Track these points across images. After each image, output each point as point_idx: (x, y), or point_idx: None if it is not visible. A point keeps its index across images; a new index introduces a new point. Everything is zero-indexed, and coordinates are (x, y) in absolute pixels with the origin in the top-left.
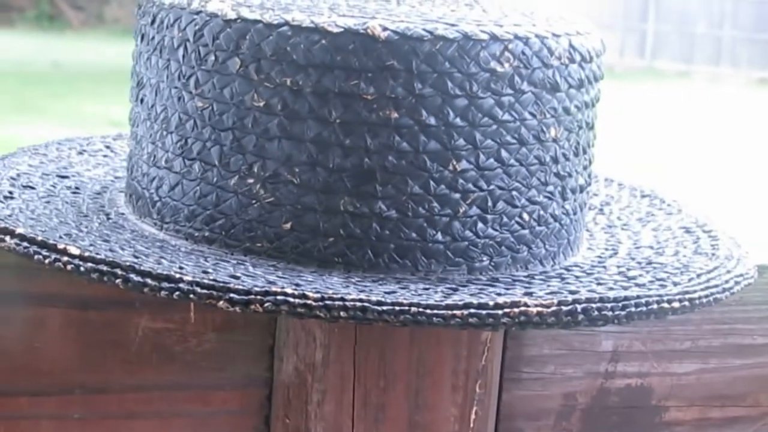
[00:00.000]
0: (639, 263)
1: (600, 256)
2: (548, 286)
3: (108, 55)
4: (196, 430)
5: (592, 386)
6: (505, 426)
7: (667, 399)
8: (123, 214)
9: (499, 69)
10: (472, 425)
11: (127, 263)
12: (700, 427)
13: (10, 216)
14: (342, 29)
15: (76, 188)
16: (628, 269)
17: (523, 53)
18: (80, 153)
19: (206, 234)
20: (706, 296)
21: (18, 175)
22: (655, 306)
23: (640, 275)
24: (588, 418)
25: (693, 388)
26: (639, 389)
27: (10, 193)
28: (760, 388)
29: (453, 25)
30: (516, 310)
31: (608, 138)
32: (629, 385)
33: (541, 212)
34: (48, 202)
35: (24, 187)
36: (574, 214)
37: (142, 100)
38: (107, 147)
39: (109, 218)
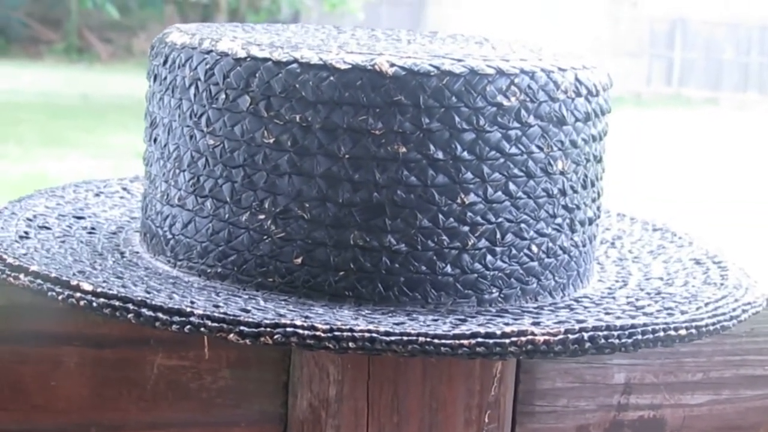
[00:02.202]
0: (648, 294)
1: (610, 288)
2: (556, 316)
3: (136, 88)
4: None
5: (605, 419)
6: None
7: (680, 430)
8: (137, 252)
9: (505, 103)
10: None
11: (139, 298)
12: None
13: (25, 255)
14: (350, 65)
15: (92, 228)
16: (637, 299)
17: (530, 87)
18: (97, 195)
19: (219, 270)
20: (713, 324)
21: (34, 216)
22: (662, 333)
23: (649, 305)
24: None
25: (705, 419)
26: (652, 421)
27: (26, 233)
28: None
29: (459, 60)
30: (523, 338)
31: (636, 166)
32: (642, 417)
33: (550, 244)
34: (63, 241)
35: (40, 227)
36: (584, 246)
37: (155, 140)
38: (124, 189)
39: (123, 256)
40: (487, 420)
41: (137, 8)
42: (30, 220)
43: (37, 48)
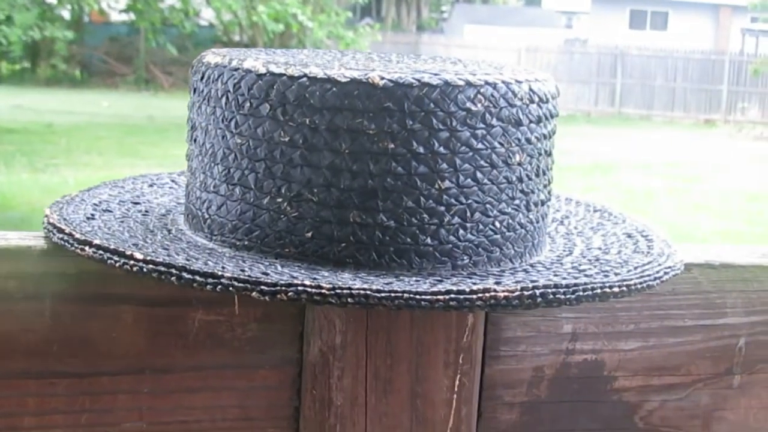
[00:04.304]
0: (589, 260)
1: (558, 256)
2: (515, 277)
3: None
4: (242, 401)
5: (556, 361)
6: (488, 394)
7: (616, 370)
8: (181, 229)
9: (473, 108)
10: (460, 393)
11: (180, 264)
12: (642, 392)
13: (90, 231)
14: (349, 79)
15: (146, 211)
16: (580, 265)
17: (492, 95)
18: (151, 185)
19: (245, 243)
20: (641, 283)
21: (99, 202)
22: (598, 291)
23: (589, 269)
24: (553, 387)
25: (636, 361)
26: (593, 363)
27: (92, 215)
28: (690, 360)
29: (436, 74)
30: (487, 294)
31: (587, 174)
32: (586, 359)
33: (510, 221)
34: (122, 222)
35: (103, 210)
36: (537, 222)
37: (195, 140)
38: (173, 181)
39: (170, 233)
40: (461, 362)
41: (192, 47)
42: (96, 205)
43: (113, 79)
